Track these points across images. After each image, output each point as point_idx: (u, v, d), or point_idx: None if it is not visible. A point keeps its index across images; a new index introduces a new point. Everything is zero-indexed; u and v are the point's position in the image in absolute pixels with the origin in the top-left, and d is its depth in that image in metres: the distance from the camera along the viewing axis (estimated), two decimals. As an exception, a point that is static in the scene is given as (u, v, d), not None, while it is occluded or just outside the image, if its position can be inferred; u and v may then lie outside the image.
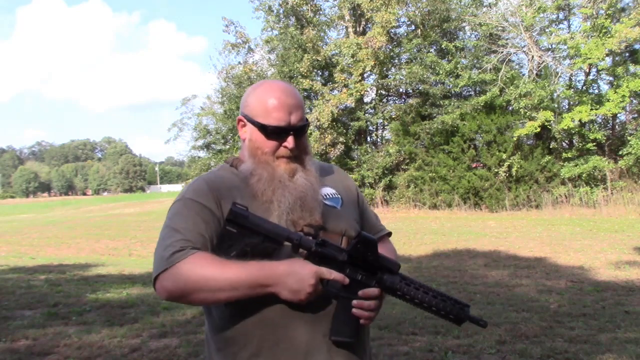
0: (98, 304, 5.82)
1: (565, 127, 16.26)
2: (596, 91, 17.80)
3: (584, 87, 17.84)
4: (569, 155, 17.12)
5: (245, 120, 1.43)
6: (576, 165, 16.57)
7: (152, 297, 6.00)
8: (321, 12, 22.34)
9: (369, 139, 22.83)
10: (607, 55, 16.47)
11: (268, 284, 1.25)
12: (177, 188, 78.26)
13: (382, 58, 19.90)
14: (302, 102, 1.43)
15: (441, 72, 18.69)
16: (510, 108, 17.92)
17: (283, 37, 20.69)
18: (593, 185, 16.71)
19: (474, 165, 18.54)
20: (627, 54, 17.12)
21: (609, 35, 15.71)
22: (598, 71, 17.72)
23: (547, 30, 18.18)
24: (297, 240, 1.28)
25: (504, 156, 17.26)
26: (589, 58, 15.67)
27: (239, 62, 22.79)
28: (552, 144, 17.68)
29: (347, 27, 21.79)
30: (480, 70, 17.98)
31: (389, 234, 1.64)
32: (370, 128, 22.69)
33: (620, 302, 5.75)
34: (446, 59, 19.78)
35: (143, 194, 78.62)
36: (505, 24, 17.75)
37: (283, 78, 20.06)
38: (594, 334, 4.50)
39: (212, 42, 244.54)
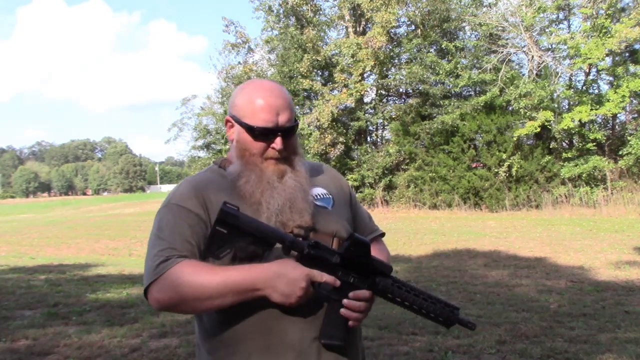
0: (98, 304, 5.83)
1: (565, 127, 16.26)
2: (596, 91, 17.81)
3: (584, 87, 17.84)
4: (569, 155, 17.12)
5: (233, 121, 1.40)
6: (576, 165, 16.57)
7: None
8: (321, 12, 22.34)
9: (369, 139, 22.82)
10: (607, 55, 16.47)
11: (258, 288, 1.23)
12: (177, 188, 77.92)
13: (382, 58, 19.88)
14: (291, 102, 1.40)
15: (441, 72, 18.69)
16: (510, 108, 17.91)
17: (283, 37, 20.70)
18: (593, 185, 16.70)
19: (474, 165, 18.54)
20: (627, 54, 17.12)
21: (609, 35, 15.71)
22: (598, 71, 17.73)
23: (547, 30, 18.18)
24: (290, 242, 1.26)
25: (504, 156, 17.25)
26: (589, 58, 15.67)
27: (239, 62, 22.88)
28: (552, 144, 17.68)
29: (347, 27, 21.77)
30: (480, 70, 17.98)
31: (383, 234, 1.63)
32: (370, 128, 22.68)
33: (620, 302, 5.75)
34: (446, 59, 19.77)
35: (143, 194, 78.52)
36: (505, 24, 17.75)
37: (283, 78, 20.09)
38: (594, 334, 4.50)
39: (212, 42, 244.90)
